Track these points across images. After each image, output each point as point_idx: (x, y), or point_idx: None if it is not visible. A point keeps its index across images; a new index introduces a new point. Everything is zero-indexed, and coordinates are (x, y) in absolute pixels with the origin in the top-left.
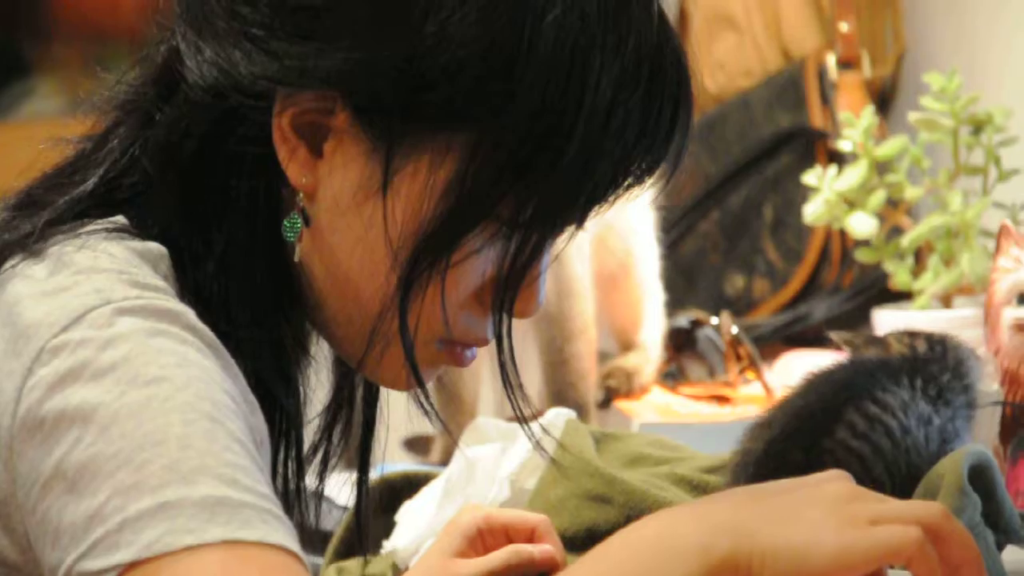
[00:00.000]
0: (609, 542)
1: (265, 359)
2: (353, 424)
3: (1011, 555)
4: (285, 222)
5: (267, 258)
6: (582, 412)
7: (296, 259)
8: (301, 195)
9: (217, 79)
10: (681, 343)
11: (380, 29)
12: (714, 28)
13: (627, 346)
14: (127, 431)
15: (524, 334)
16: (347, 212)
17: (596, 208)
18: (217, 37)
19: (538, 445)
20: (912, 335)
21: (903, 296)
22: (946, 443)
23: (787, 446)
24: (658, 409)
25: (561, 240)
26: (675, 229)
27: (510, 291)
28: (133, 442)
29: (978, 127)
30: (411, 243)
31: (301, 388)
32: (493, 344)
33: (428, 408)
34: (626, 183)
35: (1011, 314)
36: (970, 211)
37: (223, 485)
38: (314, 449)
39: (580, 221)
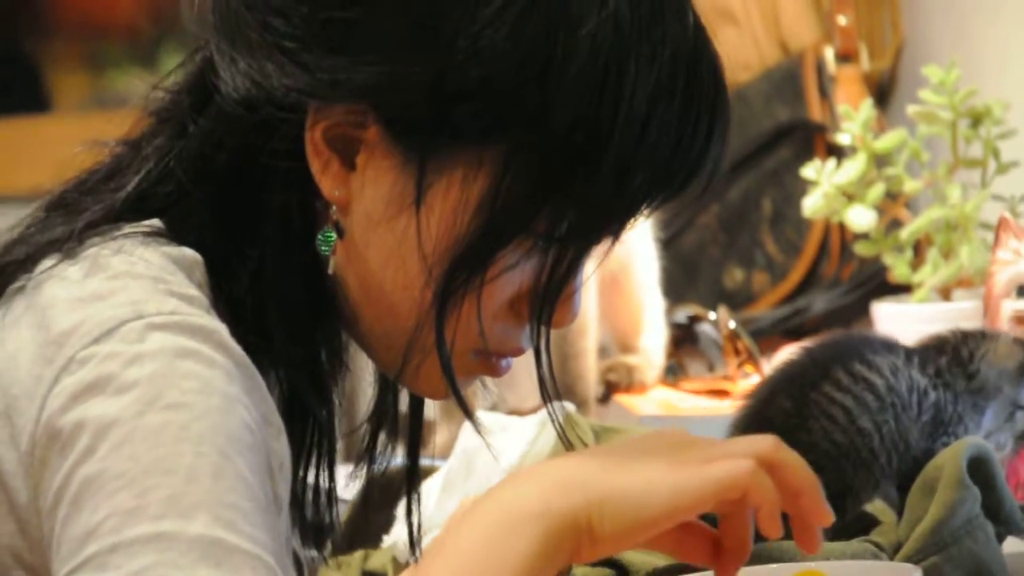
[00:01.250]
0: (456, 518)
1: (299, 371)
2: (398, 433)
3: (1011, 547)
4: (319, 235)
5: (301, 271)
6: (583, 408)
7: (330, 272)
8: (335, 208)
9: (250, 91)
10: (679, 339)
11: (412, 43)
12: (712, 22)
13: (627, 349)
14: (137, 453)
15: None
16: (380, 225)
17: (634, 220)
18: (250, 49)
19: (569, 444)
20: (942, 331)
21: (902, 289)
22: (945, 424)
23: (775, 396)
24: (658, 403)
25: (599, 251)
26: (674, 223)
27: (548, 305)
28: (141, 465)
29: (977, 120)
30: (446, 258)
31: (336, 399)
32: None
33: (468, 412)
34: (663, 195)
35: (1010, 306)
36: (969, 204)
37: (220, 527)
38: (358, 459)
39: (617, 233)
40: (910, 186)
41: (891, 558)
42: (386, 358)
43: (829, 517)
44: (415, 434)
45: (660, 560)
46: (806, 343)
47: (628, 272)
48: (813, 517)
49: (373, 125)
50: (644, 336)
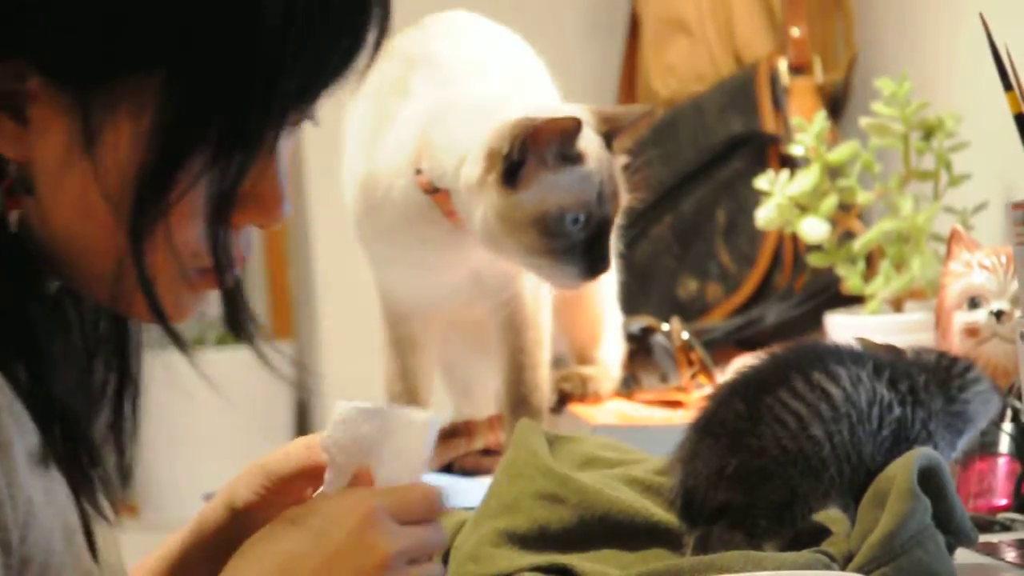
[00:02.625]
0: None
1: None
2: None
3: (963, 557)
4: None
5: None
6: (537, 418)
7: (13, 231)
8: (13, 167)
9: None
10: (633, 350)
11: None
12: (666, 33)
13: (585, 361)
14: None
15: (487, 344)
16: (63, 176)
17: (308, 106)
18: None
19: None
20: (928, 350)
21: (855, 300)
22: (910, 440)
23: (731, 397)
24: (612, 414)
25: (291, 141)
26: (628, 233)
27: (228, 207)
28: None
29: (929, 132)
30: (131, 193)
31: (80, 356)
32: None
33: (179, 342)
34: (330, 75)
35: (962, 318)
36: (921, 216)
37: None
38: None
39: (299, 119)
40: (863, 198)
41: (842, 568)
42: (102, 296)
43: None
44: (124, 356)
45: (614, 570)
46: (773, 349)
47: (588, 288)
48: None
49: (34, 76)
50: (602, 348)
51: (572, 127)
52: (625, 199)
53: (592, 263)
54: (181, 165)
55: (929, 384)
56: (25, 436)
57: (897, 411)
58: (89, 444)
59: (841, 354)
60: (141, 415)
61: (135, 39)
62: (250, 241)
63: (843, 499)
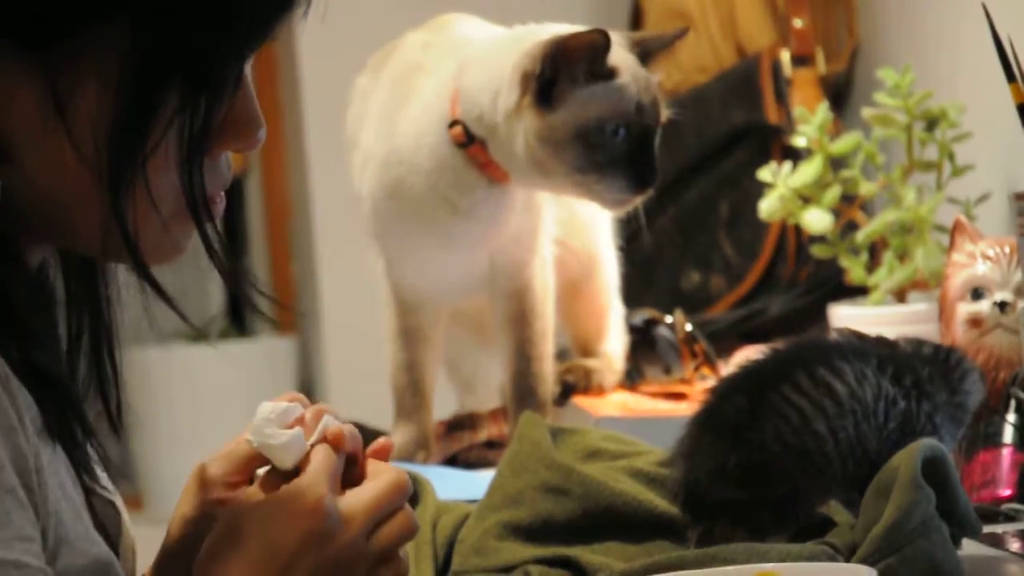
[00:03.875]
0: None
1: None
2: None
3: (966, 549)
4: None
5: None
6: (542, 410)
7: None
8: None
9: None
10: (636, 342)
11: None
12: (669, 24)
13: (588, 354)
14: None
15: (490, 337)
16: (38, 139)
17: (272, 29)
18: None
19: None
20: (923, 341)
21: (858, 291)
22: (916, 433)
23: (733, 393)
24: (615, 406)
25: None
26: (631, 225)
27: (203, 146)
28: None
29: (932, 123)
30: (105, 149)
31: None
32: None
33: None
34: (280, 10)
35: (965, 309)
36: (924, 207)
37: None
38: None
39: (261, 45)
40: (866, 188)
41: (847, 560)
42: (92, 251)
43: None
44: (98, 311)
45: (618, 562)
46: (776, 344)
47: (591, 279)
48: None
49: None
50: (605, 341)
51: (599, 41)
52: (665, 114)
53: (640, 174)
54: (151, 114)
55: (933, 376)
56: (30, 410)
57: (902, 404)
58: (83, 417)
59: (845, 350)
60: (121, 367)
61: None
62: (228, 176)
63: (847, 494)
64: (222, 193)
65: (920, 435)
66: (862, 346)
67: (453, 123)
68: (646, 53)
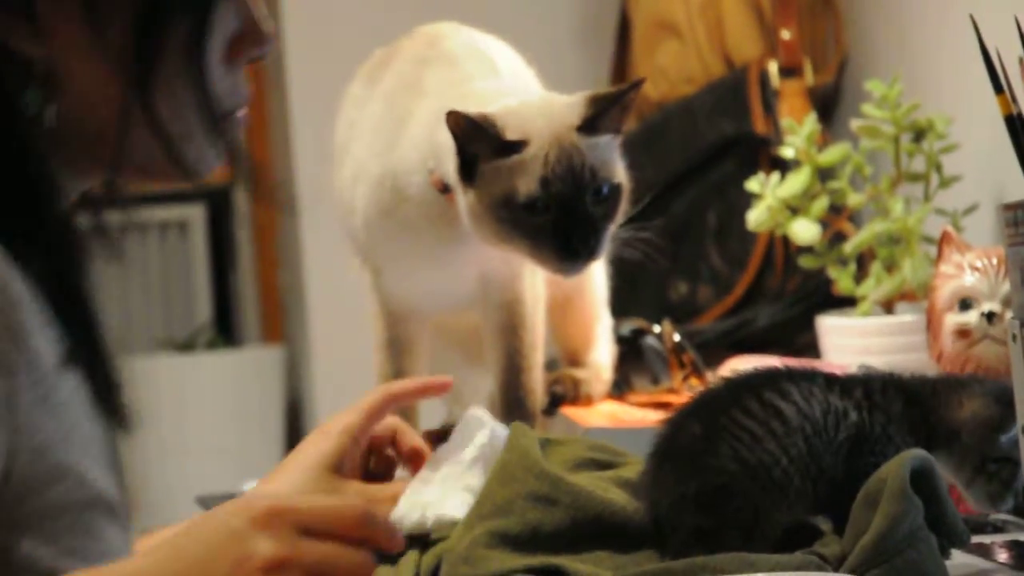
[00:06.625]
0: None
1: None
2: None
3: (955, 559)
4: (28, 94)
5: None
6: (531, 421)
7: (48, 126)
8: (40, 64)
9: None
10: (624, 353)
11: None
12: (656, 35)
13: (576, 364)
14: None
15: (478, 348)
16: (78, 61)
17: None
18: None
19: None
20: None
21: (846, 302)
22: (870, 443)
23: (685, 421)
24: (604, 415)
25: None
26: (618, 235)
27: (206, 50)
28: None
29: (919, 134)
30: (131, 60)
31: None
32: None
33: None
34: None
35: (953, 320)
36: (912, 218)
37: None
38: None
39: None
40: (854, 199)
41: (835, 570)
42: (134, 172)
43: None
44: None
45: (606, 572)
46: (727, 374)
47: (579, 290)
48: None
49: None
50: (593, 352)
51: (481, 120)
52: (617, 178)
53: (566, 246)
54: (164, 29)
55: (887, 388)
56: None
57: (853, 416)
58: (105, 346)
59: (792, 373)
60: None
61: None
62: (247, 93)
63: (812, 511)
64: (241, 112)
65: (875, 444)
66: (809, 369)
67: (432, 169)
68: (598, 114)
